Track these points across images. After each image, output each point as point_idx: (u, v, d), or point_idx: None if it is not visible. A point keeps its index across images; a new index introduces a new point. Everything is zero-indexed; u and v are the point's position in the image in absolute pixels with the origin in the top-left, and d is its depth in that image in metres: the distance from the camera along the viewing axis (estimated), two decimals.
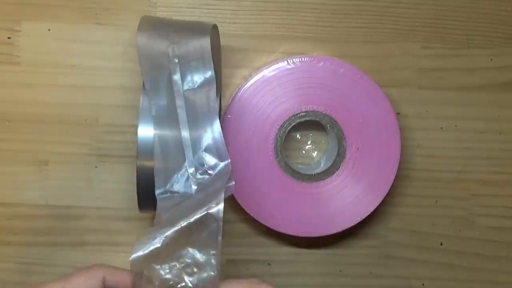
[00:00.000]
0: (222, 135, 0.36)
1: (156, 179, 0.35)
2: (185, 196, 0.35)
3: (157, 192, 0.35)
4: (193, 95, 0.36)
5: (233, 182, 0.35)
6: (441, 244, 0.47)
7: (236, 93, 0.44)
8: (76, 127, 0.46)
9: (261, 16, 0.46)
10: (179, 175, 0.35)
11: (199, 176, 0.36)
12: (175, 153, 0.35)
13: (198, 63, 0.36)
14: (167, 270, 0.32)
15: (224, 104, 0.45)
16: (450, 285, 0.48)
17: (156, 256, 0.32)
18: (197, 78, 0.36)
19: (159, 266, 0.32)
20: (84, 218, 0.46)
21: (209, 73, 0.36)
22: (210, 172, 0.36)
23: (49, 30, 0.45)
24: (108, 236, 0.46)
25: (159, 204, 0.35)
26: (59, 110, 0.45)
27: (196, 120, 0.36)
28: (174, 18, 0.45)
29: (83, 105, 0.45)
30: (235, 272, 0.47)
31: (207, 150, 0.36)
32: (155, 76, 0.36)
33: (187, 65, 0.36)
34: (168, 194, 0.35)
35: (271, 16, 0.46)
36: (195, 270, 0.32)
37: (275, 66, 0.44)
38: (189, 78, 0.36)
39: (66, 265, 0.46)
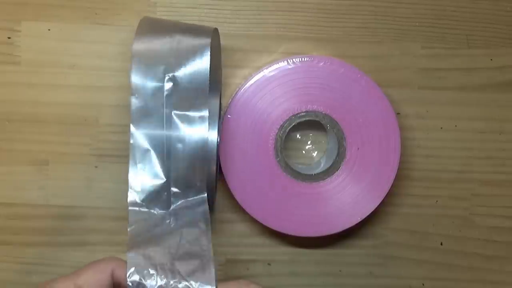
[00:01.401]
0: (211, 169, 0.36)
1: (130, 191, 0.35)
2: (158, 216, 0.35)
3: (129, 200, 0.35)
4: (183, 127, 0.36)
5: (208, 216, 0.36)
6: (441, 244, 0.47)
7: (236, 93, 0.44)
8: (76, 127, 0.45)
9: (261, 16, 0.46)
10: (154, 192, 0.36)
11: (174, 198, 0.36)
12: (152, 171, 0.36)
13: (193, 93, 0.35)
14: (164, 280, 0.31)
15: (224, 104, 0.45)
16: (450, 285, 0.48)
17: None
18: (191, 112, 0.35)
19: (154, 272, 0.31)
20: (84, 218, 0.46)
21: (203, 110, 0.35)
22: (185, 199, 0.36)
23: (49, 30, 0.45)
24: (108, 236, 0.46)
25: (131, 216, 0.35)
26: (59, 110, 0.45)
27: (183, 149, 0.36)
28: (174, 18, 0.45)
29: (83, 105, 0.45)
30: (235, 272, 0.47)
31: (187, 177, 0.36)
32: (144, 99, 0.35)
33: (183, 93, 0.35)
34: (138, 209, 0.36)
35: (271, 16, 0.46)
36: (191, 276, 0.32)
37: (275, 66, 0.44)
38: (181, 106, 0.35)
39: (66, 265, 0.46)
